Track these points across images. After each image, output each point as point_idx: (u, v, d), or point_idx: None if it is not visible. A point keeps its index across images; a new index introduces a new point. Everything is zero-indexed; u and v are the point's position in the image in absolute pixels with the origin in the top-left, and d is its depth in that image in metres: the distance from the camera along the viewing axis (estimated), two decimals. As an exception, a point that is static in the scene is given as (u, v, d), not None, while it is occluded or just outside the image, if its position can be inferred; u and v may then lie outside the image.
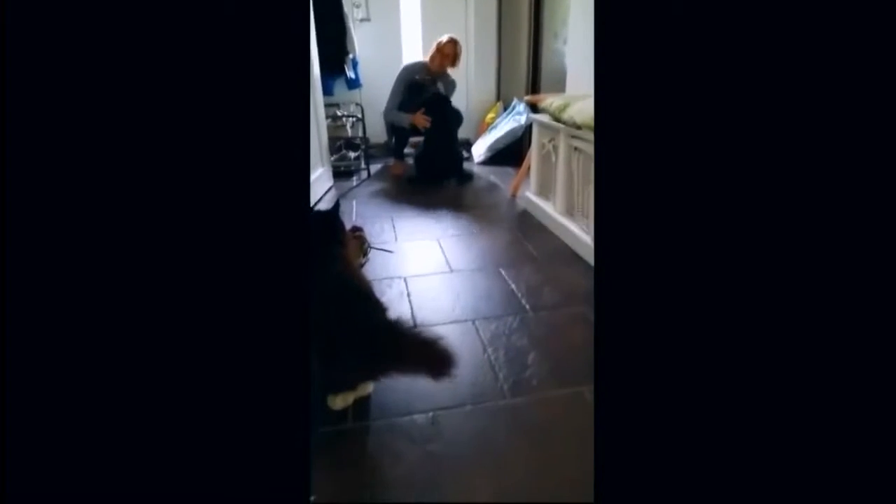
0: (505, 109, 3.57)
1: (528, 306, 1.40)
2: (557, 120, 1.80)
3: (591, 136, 1.56)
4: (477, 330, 1.29)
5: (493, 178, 2.94)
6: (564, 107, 1.75)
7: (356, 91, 3.54)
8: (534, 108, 2.47)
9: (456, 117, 2.99)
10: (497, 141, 3.21)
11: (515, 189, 2.47)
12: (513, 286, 1.52)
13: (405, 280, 1.58)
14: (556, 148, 1.90)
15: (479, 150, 3.30)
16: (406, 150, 3.20)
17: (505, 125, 3.30)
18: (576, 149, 1.75)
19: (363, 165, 3.12)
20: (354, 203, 2.45)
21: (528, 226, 2.07)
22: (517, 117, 3.25)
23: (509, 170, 3.03)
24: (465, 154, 3.25)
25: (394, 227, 2.09)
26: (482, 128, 3.65)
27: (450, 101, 2.96)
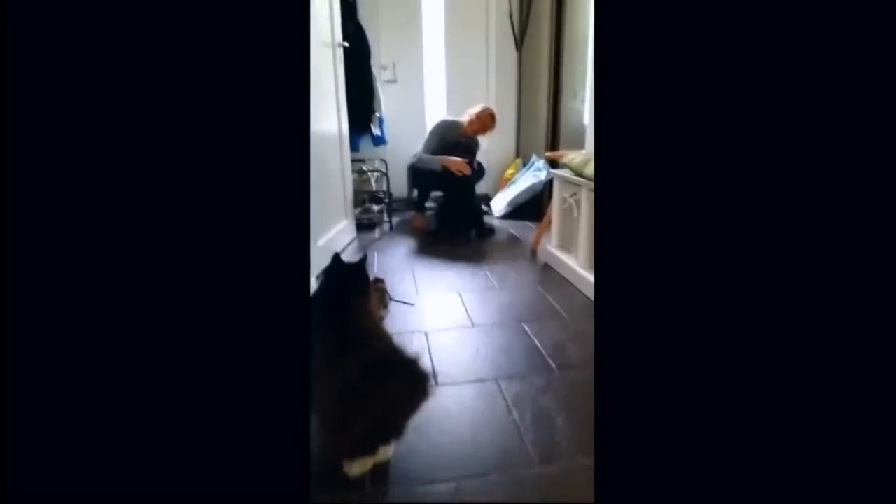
0: (524, 165, 3.64)
1: (553, 364, 1.35)
2: (579, 175, 1.81)
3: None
4: (501, 390, 1.23)
5: (513, 231, 2.95)
6: (586, 162, 1.76)
7: (381, 147, 3.65)
8: (553, 164, 2.50)
9: (478, 172, 3.05)
10: (517, 196, 3.24)
11: (536, 243, 2.45)
12: (537, 342, 1.47)
13: (426, 334, 1.55)
14: (577, 202, 1.90)
15: (499, 204, 3.33)
16: (427, 204, 3.25)
17: (524, 180, 3.34)
18: (599, 204, 1.74)
19: (386, 218, 3.17)
20: (376, 254, 2.46)
21: (550, 280, 2.03)
22: (536, 173, 3.30)
23: (529, 224, 3.03)
24: (484, 208, 3.28)
25: (414, 278, 2.08)
26: (501, 183, 3.71)
27: (475, 157, 3.04)
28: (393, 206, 3.33)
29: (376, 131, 3.55)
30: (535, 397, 1.20)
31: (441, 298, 1.86)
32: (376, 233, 2.98)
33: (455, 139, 3.07)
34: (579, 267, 1.90)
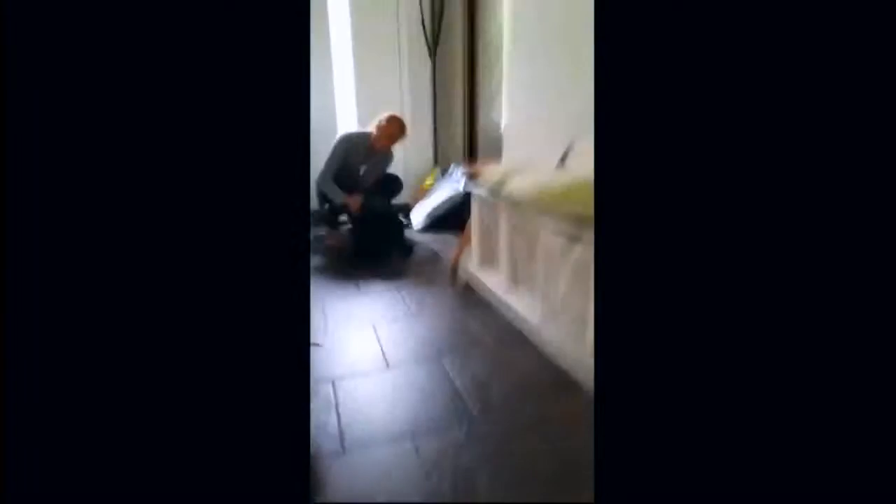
0: (443, 174, 3.53)
1: (474, 410, 1.23)
2: (497, 195, 1.71)
3: (530, 213, 1.47)
4: (416, 451, 1.09)
5: (434, 245, 2.82)
6: (502, 183, 1.67)
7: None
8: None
9: (393, 187, 2.89)
10: (436, 209, 3.13)
11: (456, 262, 2.34)
12: (457, 383, 1.34)
13: (333, 384, 1.37)
14: (496, 224, 1.81)
15: (418, 217, 3.19)
16: (341, 218, 3.04)
17: (443, 192, 3.23)
18: (516, 226, 1.65)
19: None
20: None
21: (471, 302, 1.92)
22: (455, 185, 3.20)
23: (450, 237, 2.92)
24: (405, 221, 3.12)
25: (324, 314, 1.87)
26: (420, 193, 3.58)
27: (387, 175, 2.87)
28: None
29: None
30: (454, 457, 1.07)
31: (353, 335, 1.68)
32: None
33: (362, 160, 2.83)
34: (500, 290, 1.81)
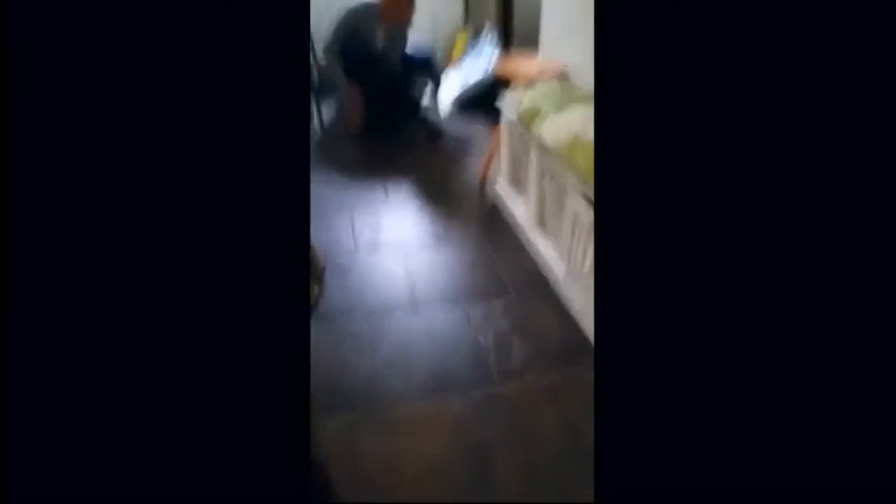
0: (474, 39, 3.14)
1: (495, 372, 1.32)
2: (528, 128, 1.56)
3: (561, 164, 1.36)
4: (439, 412, 1.21)
5: (462, 136, 2.67)
6: (534, 114, 1.50)
7: None
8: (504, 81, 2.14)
9: (419, 69, 2.61)
10: (465, 91, 2.86)
11: (484, 175, 2.24)
12: (480, 339, 1.42)
13: (363, 323, 1.47)
14: (526, 155, 1.68)
15: (446, 98, 2.95)
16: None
17: (473, 67, 2.91)
18: (546, 170, 1.54)
19: (315, 112, 2.75)
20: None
21: (497, 231, 1.89)
22: (487, 56, 2.86)
23: (480, 128, 2.74)
24: (424, 89, 2.88)
25: (353, 227, 1.91)
26: (449, 62, 3.24)
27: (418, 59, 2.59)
28: (322, 85, 2.83)
29: None
30: (476, 425, 1.19)
31: (382, 262, 1.73)
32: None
33: (373, 34, 2.48)
34: (527, 224, 1.77)
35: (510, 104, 1.73)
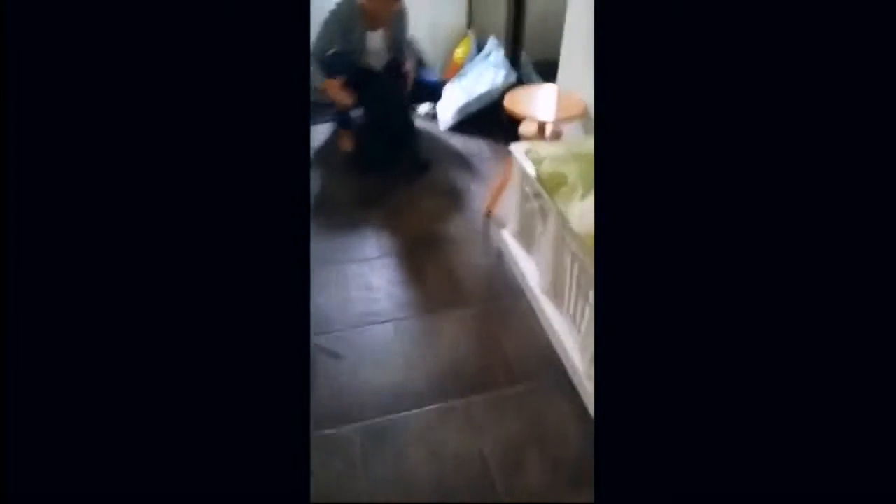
0: (479, 48, 2.84)
1: (503, 493, 1.12)
2: (543, 183, 1.31)
3: (588, 254, 1.13)
4: None
5: (462, 159, 2.41)
6: (558, 182, 1.26)
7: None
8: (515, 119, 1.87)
9: (400, 92, 2.31)
10: (469, 104, 2.58)
11: (490, 210, 2.00)
12: (484, 451, 1.21)
13: (354, 429, 1.25)
14: (543, 213, 1.44)
15: (447, 111, 2.67)
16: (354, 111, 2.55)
17: (479, 77, 2.63)
18: (566, 249, 1.30)
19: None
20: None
21: (503, 293, 1.65)
22: (494, 69, 2.58)
23: (484, 146, 2.48)
24: (418, 113, 2.62)
25: (341, 290, 1.65)
26: (451, 68, 2.95)
27: (393, 72, 2.28)
28: (315, 106, 2.55)
29: None
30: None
31: (369, 338, 1.49)
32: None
33: (362, 33, 2.17)
34: (538, 290, 1.54)
35: (524, 151, 1.48)
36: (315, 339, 1.44)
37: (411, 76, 2.39)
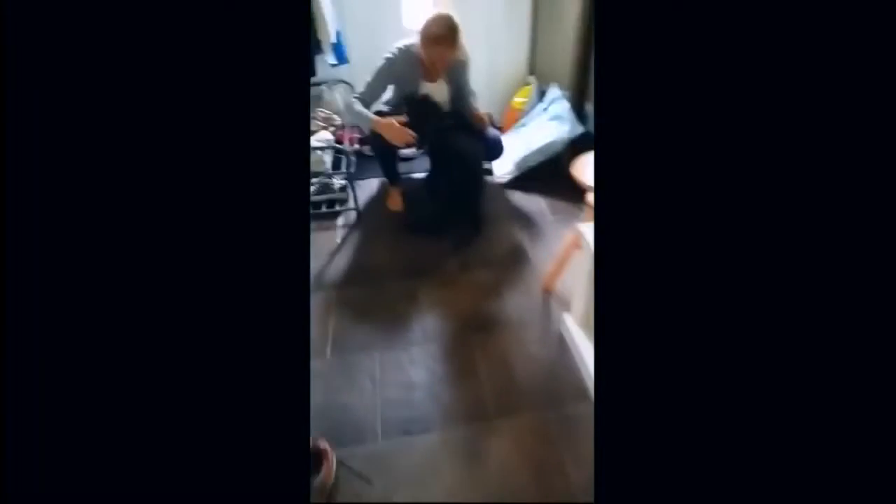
0: (541, 95, 2.64)
1: None
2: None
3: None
4: None
5: (521, 220, 2.17)
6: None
7: (343, 68, 2.63)
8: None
9: (482, 143, 2.11)
10: (529, 156, 2.37)
11: (549, 284, 1.75)
12: None
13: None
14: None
15: (505, 165, 2.46)
16: (403, 167, 2.40)
17: (540, 129, 2.42)
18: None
19: (350, 196, 2.31)
20: (325, 299, 1.77)
21: (565, 396, 1.38)
22: (557, 121, 2.36)
23: (544, 205, 2.24)
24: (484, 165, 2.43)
25: (376, 387, 1.44)
26: (510, 116, 2.76)
27: (458, 121, 2.10)
28: (357, 160, 2.42)
29: (329, 57, 2.50)
30: None
31: (405, 461, 1.24)
32: (338, 229, 2.20)
33: (417, 87, 2.02)
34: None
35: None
36: (341, 455, 1.23)
37: (487, 123, 2.21)
